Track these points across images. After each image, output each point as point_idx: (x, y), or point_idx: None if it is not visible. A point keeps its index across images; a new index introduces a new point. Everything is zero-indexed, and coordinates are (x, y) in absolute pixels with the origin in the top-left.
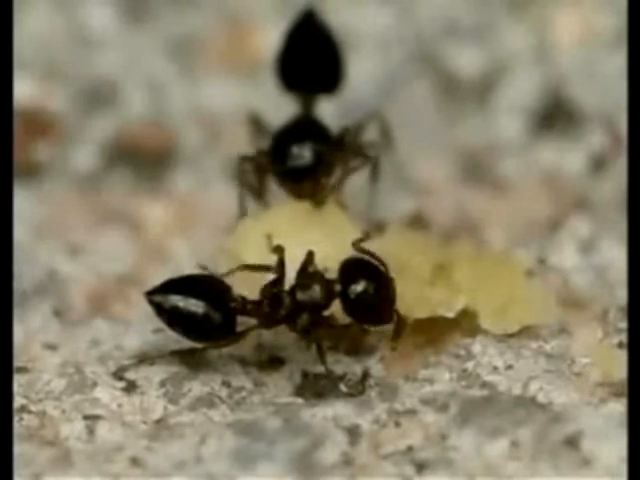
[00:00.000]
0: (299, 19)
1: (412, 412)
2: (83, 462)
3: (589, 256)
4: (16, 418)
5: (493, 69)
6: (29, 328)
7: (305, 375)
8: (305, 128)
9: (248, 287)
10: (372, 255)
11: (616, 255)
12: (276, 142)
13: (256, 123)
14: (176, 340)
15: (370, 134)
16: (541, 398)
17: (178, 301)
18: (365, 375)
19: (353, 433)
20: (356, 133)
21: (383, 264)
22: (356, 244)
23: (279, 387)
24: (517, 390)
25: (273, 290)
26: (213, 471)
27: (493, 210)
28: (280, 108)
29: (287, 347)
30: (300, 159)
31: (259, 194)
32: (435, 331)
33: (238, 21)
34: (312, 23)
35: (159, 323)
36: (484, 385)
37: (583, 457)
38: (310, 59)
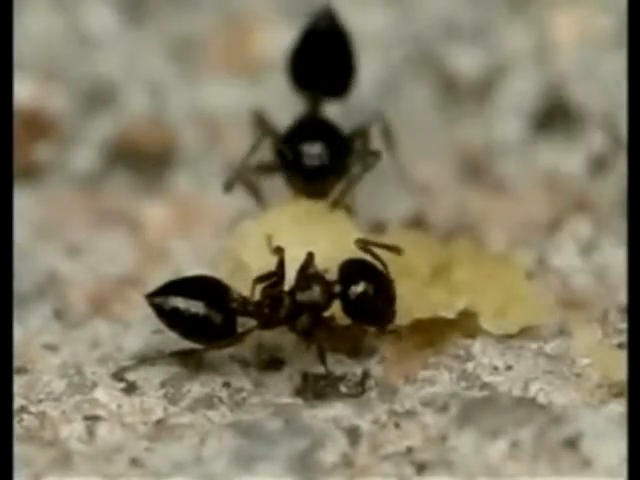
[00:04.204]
0: (318, 18)
1: (412, 413)
2: (83, 463)
3: (589, 257)
4: (16, 419)
5: (493, 69)
6: (29, 329)
7: (305, 376)
8: (317, 127)
9: (248, 288)
10: (374, 254)
11: (616, 256)
12: (289, 140)
13: (260, 121)
14: (176, 341)
15: (373, 137)
16: (541, 399)
17: (178, 303)
18: (365, 376)
19: (353, 434)
20: (362, 137)
21: (384, 264)
22: (359, 243)
23: (279, 388)
24: (517, 391)
25: (273, 291)
26: (213, 472)
27: (493, 210)
28: (280, 109)
29: (287, 348)
30: (315, 158)
31: (259, 195)
32: (435, 331)
33: (238, 22)
34: (331, 24)
35: (159, 324)
36: (484, 386)
37: (583, 458)
38: (326, 60)
